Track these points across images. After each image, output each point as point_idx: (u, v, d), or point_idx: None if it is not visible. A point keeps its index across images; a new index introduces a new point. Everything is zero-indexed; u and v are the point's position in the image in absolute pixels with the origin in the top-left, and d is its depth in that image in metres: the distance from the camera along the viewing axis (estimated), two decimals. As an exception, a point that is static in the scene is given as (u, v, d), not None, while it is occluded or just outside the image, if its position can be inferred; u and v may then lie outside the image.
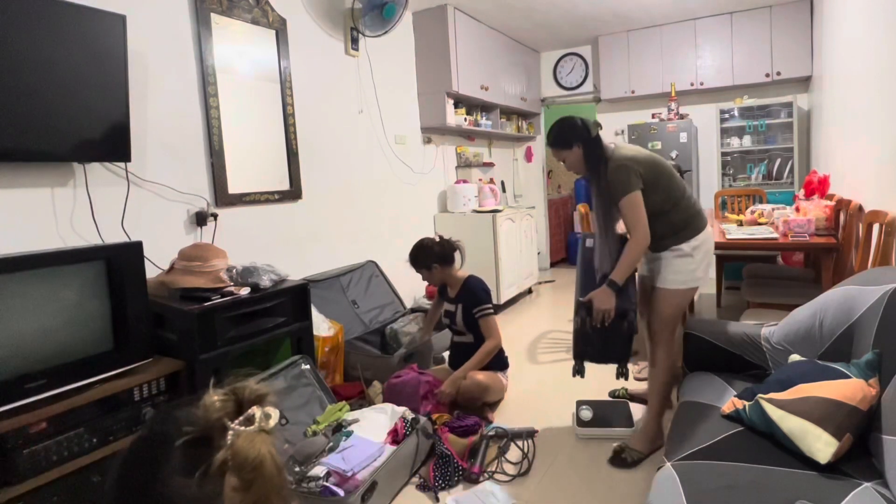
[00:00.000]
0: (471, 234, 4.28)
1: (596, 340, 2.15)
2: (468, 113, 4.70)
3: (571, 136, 2.14)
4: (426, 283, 2.86)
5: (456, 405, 2.59)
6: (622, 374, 2.22)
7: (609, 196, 2.13)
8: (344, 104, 3.58)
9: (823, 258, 2.75)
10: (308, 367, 2.36)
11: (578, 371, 2.28)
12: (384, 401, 2.52)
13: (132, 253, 1.93)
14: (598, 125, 2.18)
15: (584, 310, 2.12)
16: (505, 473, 2.14)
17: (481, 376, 2.60)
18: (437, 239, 2.81)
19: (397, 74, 4.12)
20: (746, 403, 1.54)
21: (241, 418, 0.65)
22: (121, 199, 2.26)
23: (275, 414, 0.68)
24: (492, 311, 2.71)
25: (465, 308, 2.72)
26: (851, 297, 1.62)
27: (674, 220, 2.14)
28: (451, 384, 2.54)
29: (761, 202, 4.36)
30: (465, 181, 4.81)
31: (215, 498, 0.61)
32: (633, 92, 5.38)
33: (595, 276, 2.21)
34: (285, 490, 0.67)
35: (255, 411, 0.66)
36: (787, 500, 1.20)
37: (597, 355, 2.21)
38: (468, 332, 2.75)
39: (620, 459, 2.15)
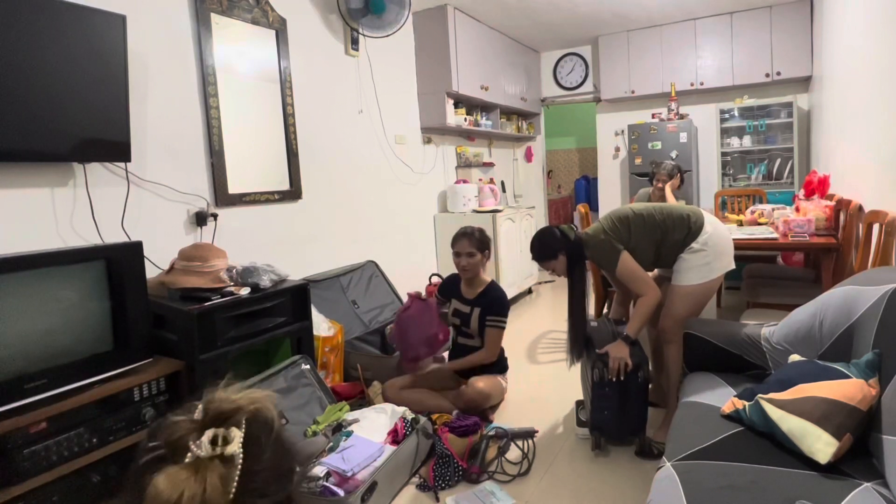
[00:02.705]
0: (471, 234, 4.28)
1: (613, 396, 2.14)
2: (468, 113, 4.70)
3: (555, 247, 2.30)
4: (463, 269, 2.71)
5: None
6: (645, 452, 2.20)
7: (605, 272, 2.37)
8: (344, 104, 3.58)
9: (823, 258, 2.75)
10: (308, 367, 2.36)
11: (598, 445, 2.27)
12: (394, 339, 2.61)
13: (132, 253, 1.92)
14: (572, 228, 2.35)
15: (602, 362, 2.15)
16: (505, 473, 2.14)
17: (482, 384, 2.57)
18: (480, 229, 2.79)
19: (397, 74, 4.12)
20: (746, 403, 1.54)
21: (198, 441, 0.59)
22: (121, 199, 2.26)
23: (237, 436, 0.60)
24: (504, 327, 2.67)
25: (483, 312, 2.68)
26: (851, 297, 1.62)
27: (672, 240, 2.23)
28: (438, 370, 2.64)
29: (761, 202, 4.36)
30: (465, 181, 4.81)
31: None
32: (633, 92, 5.38)
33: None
34: None
35: (206, 435, 0.59)
36: (787, 500, 1.20)
37: (614, 423, 2.18)
38: (478, 336, 2.71)
39: (648, 452, 2.19)
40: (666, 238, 2.23)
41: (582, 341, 2.35)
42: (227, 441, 0.60)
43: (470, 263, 2.68)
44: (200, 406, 0.63)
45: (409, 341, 2.66)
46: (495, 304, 2.67)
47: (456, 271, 2.79)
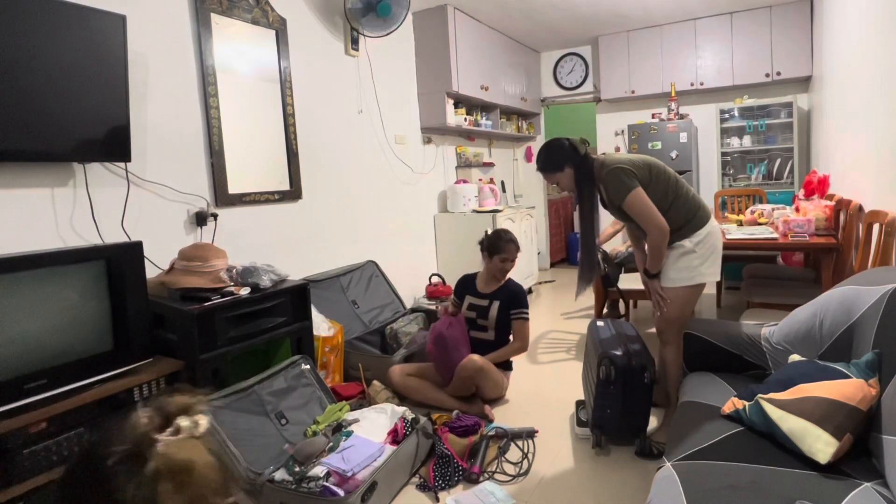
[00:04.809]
0: (470, 235, 4.27)
1: (617, 395, 2.12)
2: (468, 113, 4.70)
3: (562, 158, 2.21)
4: (506, 272, 2.86)
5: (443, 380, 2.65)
6: (645, 452, 2.18)
7: (608, 203, 2.24)
8: (344, 104, 3.58)
9: (823, 258, 2.75)
10: (308, 367, 2.36)
11: (598, 444, 2.25)
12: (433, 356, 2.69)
13: (132, 253, 1.93)
14: (585, 142, 2.23)
15: (607, 360, 2.13)
16: (505, 473, 2.14)
17: (479, 359, 2.61)
18: (488, 232, 2.94)
19: (397, 74, 4.12)
20: (746, 403, 1.54)
21: (168, 430, 0.68)
22: (121, 199, 2.26)
23: (204, 420, 0.71)
24: (528, 318, 2.79)
25: (503, 306, 2.78)
26: (851, 297, 1.62)
27: (673, 218, 2.18)
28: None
29: (761, 202, 4.36)
30: (465, 181, 4.81)
31: None
32: (633, 92, 5.38)
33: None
34: (224, 487, 0.71)
35: (182, 421, 0.69)
36: (787, 500, 1.19)
37: (616, 421, 2.16)
38: (493, 329, 2.79)
39: (648, 451, 2.18)
40: (670, 210, 2.17)
41: (595, 263, 2.29)
42: (196, 425, 0.70)
43: (512, 267, 2.84)
44: (151, 408, 0.71)
45: (451, 359, 2.63)
46: (518, 298, 2.80)
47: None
